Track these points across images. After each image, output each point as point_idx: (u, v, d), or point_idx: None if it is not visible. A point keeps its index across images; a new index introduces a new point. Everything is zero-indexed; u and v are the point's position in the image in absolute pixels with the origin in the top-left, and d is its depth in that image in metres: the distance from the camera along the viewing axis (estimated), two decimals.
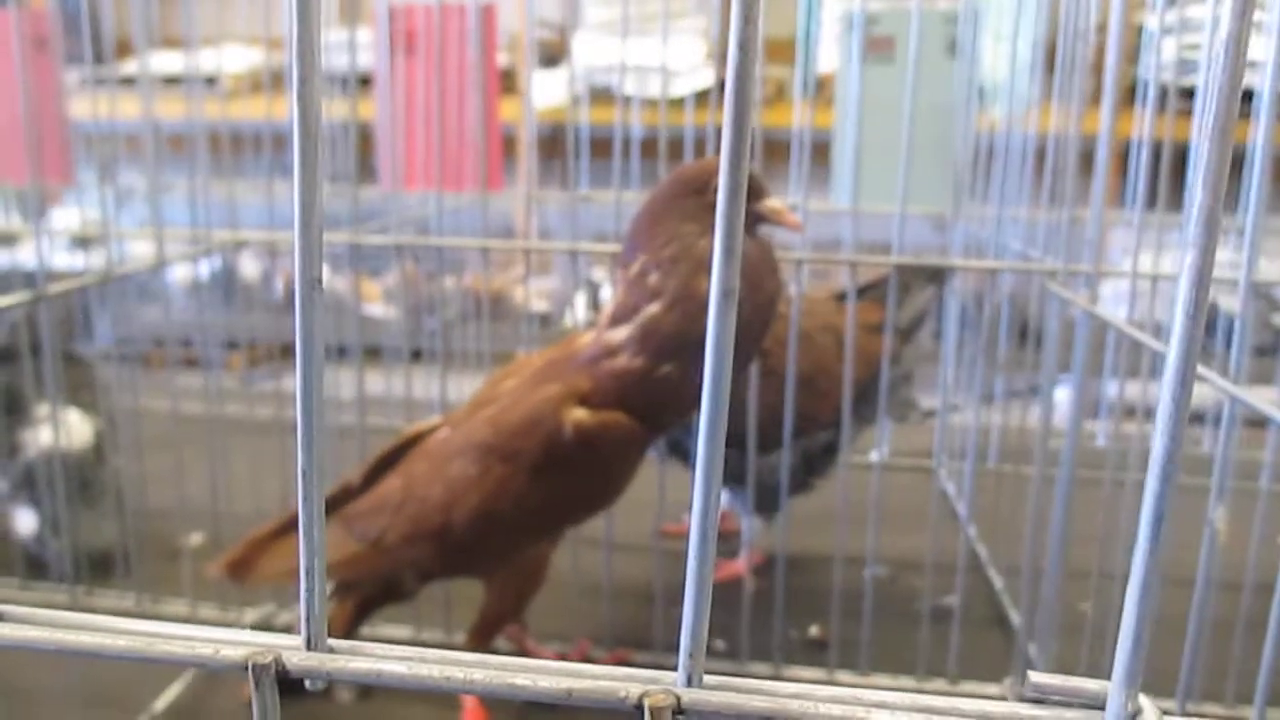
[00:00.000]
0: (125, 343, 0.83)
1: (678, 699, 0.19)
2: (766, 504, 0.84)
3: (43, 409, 0.87)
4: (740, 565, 0.88)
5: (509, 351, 1.40)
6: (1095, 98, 0.79)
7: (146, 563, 0.83)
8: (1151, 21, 1.49)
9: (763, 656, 0.75)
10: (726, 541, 0.97)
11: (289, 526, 0.67)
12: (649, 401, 0.63)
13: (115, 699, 0.68)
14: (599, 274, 1.93)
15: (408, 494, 0.64)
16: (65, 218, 1.67)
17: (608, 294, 1.75)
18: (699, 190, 0.62)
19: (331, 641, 0.20)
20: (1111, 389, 1.13)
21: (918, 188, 0.70)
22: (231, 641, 0.20)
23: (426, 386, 1.04)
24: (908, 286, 0.85)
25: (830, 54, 1.09)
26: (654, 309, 0.61)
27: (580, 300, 1.95)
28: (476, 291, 1.65)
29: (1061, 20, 0.79)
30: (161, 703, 0.68)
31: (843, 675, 0.74)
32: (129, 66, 1.47)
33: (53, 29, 0.81)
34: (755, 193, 0.63)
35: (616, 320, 0.63)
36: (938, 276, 0.87)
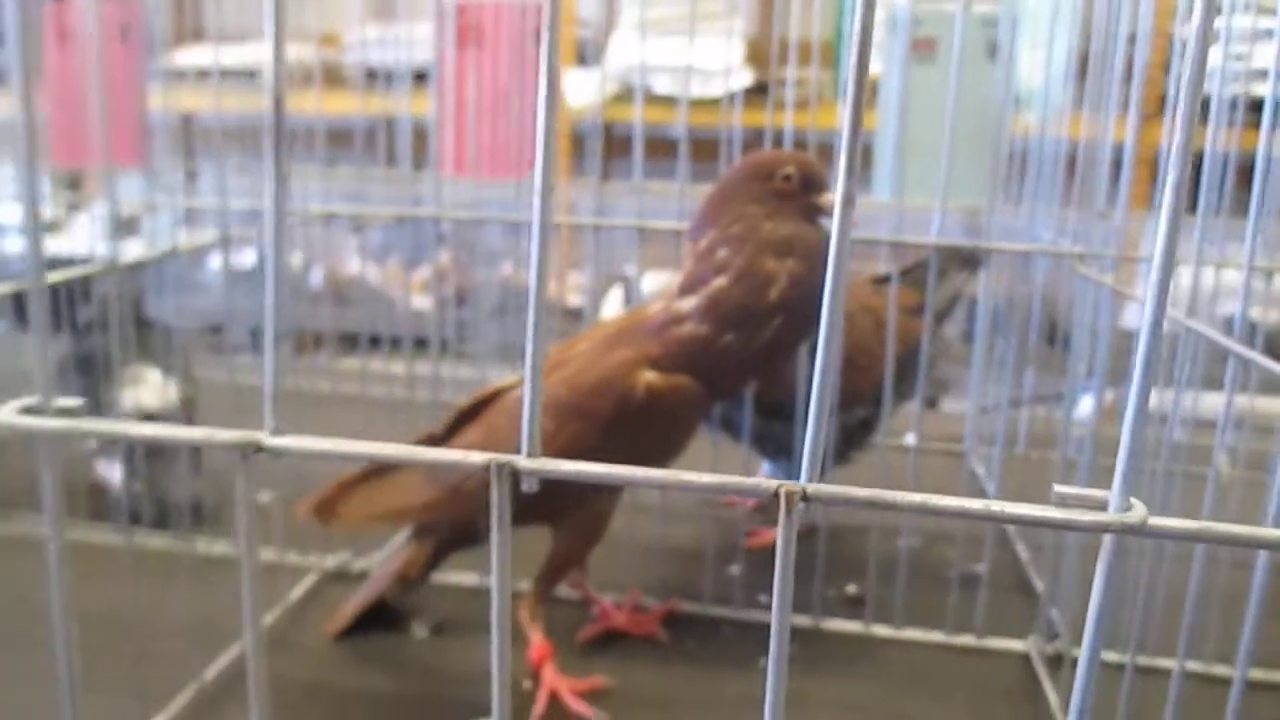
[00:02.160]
0: (186, 318, 0.89)
1: (804, 490, 0.28)
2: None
3: (128, 372, 0.93)
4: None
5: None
6: (1128, 104, 0.84)
7: (226, 517, 0.89)
8: (1183, 31, 1.53)
9: (803, 610, 0.80)
10: (767, 512, 1.02)
11: (376, 472, 0.72)
12: (711, 368, 0.68)
13: (167, 660, 0.67)
14: (632, 269, 1.98)
15: (488, 445, 0.70)
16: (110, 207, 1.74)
17: (646, 288, 1.80)
18: (767, 176, 0.68)
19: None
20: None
21: (956, 182, 0.76)
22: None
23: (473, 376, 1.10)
24: (944, 270, 0.90)
25: (873, 55, 1.15)
26: (721, 281, 0.67)
27: (615, 295, 2.00)
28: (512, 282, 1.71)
29: (1097, 28, 0.84)
30: (213, 670, 0.69)
31: (878, 629, 0.79)
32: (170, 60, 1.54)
33: (138, 16, 0.87)
34: (818, 186, 0.69)
35: (685, 290, 0.69)
36: (972, 261, 0.92)
